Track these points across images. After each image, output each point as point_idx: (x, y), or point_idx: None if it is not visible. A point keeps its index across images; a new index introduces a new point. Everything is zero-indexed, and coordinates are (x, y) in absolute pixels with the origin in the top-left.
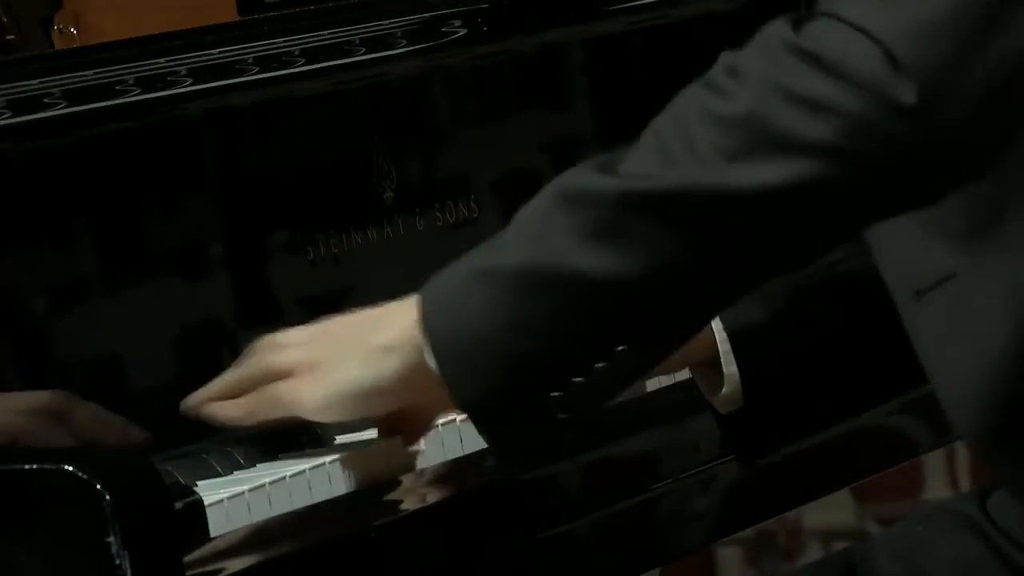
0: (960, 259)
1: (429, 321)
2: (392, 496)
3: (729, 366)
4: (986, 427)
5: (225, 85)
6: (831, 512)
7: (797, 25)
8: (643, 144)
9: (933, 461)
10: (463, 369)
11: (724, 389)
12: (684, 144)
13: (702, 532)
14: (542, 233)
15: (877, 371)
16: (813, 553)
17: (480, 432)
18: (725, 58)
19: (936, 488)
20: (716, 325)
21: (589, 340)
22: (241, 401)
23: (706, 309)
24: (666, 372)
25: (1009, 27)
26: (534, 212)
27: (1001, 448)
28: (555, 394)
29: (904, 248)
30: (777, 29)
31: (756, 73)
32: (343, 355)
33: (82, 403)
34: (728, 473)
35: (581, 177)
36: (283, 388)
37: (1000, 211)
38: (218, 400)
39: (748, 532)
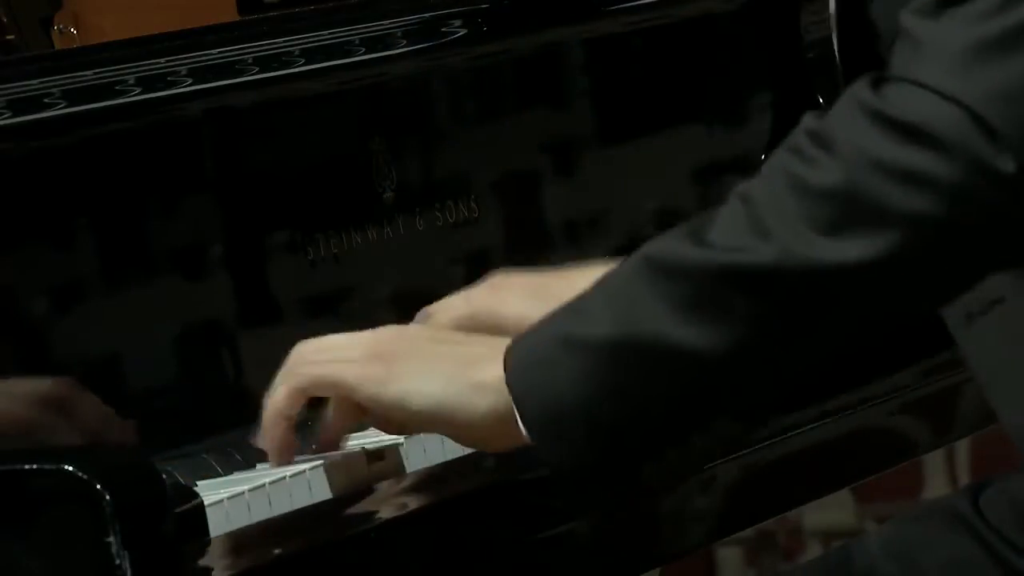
0: (1009, 283)
1: (517, 387)
2: (392, 496)
3: None
4: None
5: (225, 85)
6: (831, 512)
7: (877, 86)
8: (732, 212)
9: (933, 461)
10: (553, 437)
11: None
12: (777, 216)
13: (702, 532)
14: (632, 303)
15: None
16: (813, 553)
17: (568, 490)
18: (810, 123)
19: (936, 488)
20: None
21: (684, 412)
22: (281, 377)
23: (806, 376)
24: None
25: None
26: (622, 279)
27: None
28: (648, 463)
29: None
30: (859, 94)
31: (845, 143)
32: (433, 367)
33: (85, 393)
34: (728, 473)
35: (672, 246)
36: (345, 365)
37: None
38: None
39: (748, 532)
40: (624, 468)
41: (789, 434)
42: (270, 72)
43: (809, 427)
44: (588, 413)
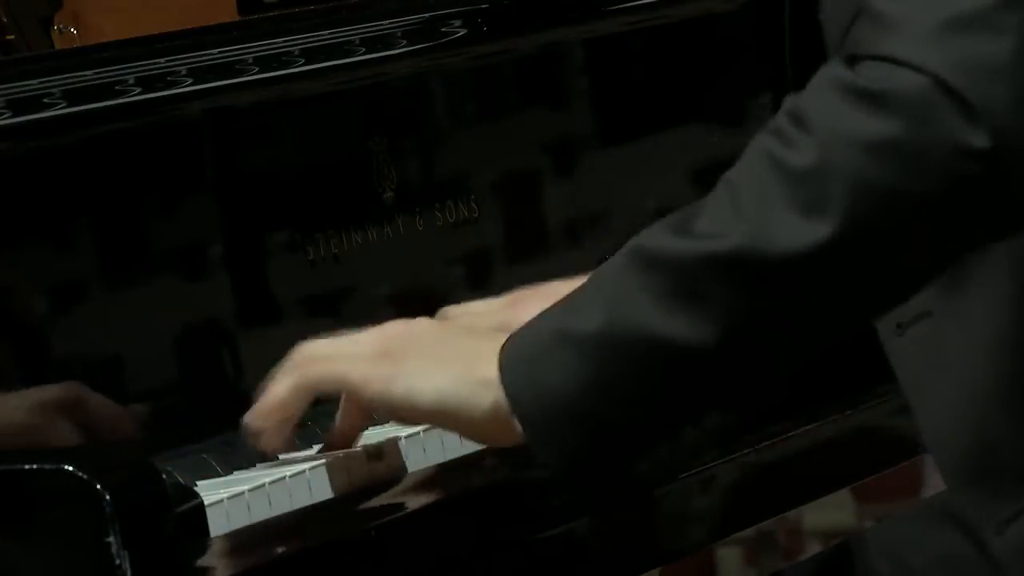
0: (933, 297)
1: (510, 382)
2: (392, 496)
3: None
4: (963, 463)
5: (225, 85)
6: (831, 512)
7: (851, 64)
8: (717, 199)
9: (933, 461)
10: (546, 433)
11: None
12: (756, 199)
13: (702, 532)
14: (620, 296)
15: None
16: (813, 553)
17: (564, 488)
18: (789, 103)
19: (936, 488)
20: None
21: (675, 405)
22: (281, 377)
23: (795, 362)
24: None
25: None
26: (611, 273)
27: (975, 483)
28: (641, 458)
29: None
30: (834, 71)
31: (821, 121)
32: (439, 363)
33: (93, 394)
34: (728, 473)
35: (656, 238)
36: (359, 365)
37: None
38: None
39: (748, 532)
40: (617, 463)
41: (789, 434)
42: (270, 72)
43: (809, 427)
44: (580, 408)
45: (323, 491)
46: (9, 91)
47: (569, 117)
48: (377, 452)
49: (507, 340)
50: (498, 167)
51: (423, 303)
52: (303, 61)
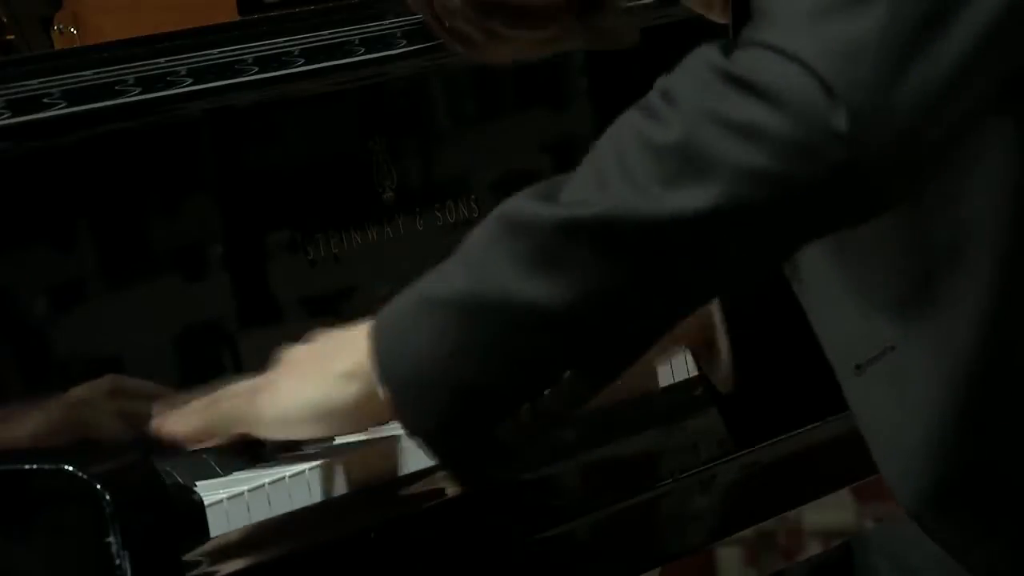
0: (899, 331)
1: (379, 350)
2: (392, 496)
3: (722, 339)
4: (924, 497)
5: (225, 85)
6: (831, 512)
7: (726, 51)
8: (582, 170)
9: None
10: (412, 398)
11: (721, 365)
12: (619, 169)
13: (702, 532)
14: (483, 260)
15: None
16: (813, 553)
17: (433, 456)
18: (660, 82)
19: None
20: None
21: (533, 367)
22: (194, 416)
23: (648, 333)
24: (668, 351)
25: (933, 52)
26: (478, 239)
27: (939, 517)
28: (504, 421)
29: (844, 323)
30: (708, 55)
31: (689, 100)
32: (302, 377)
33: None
34: (728, 473)
35: (522, 204)
36: (238, 403)
37: (929, 279)
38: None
39: (748, 532)
40: (481, 425)
41: (789, 434)
42: (270, 72)
43: (809, 427)
44: (443, 370)
45: (323, 491)
46: (9, 91)
47: (569, 117)
48: None
49: (379, 313)
50: (498, 167)
51: None
52: (303, 61)
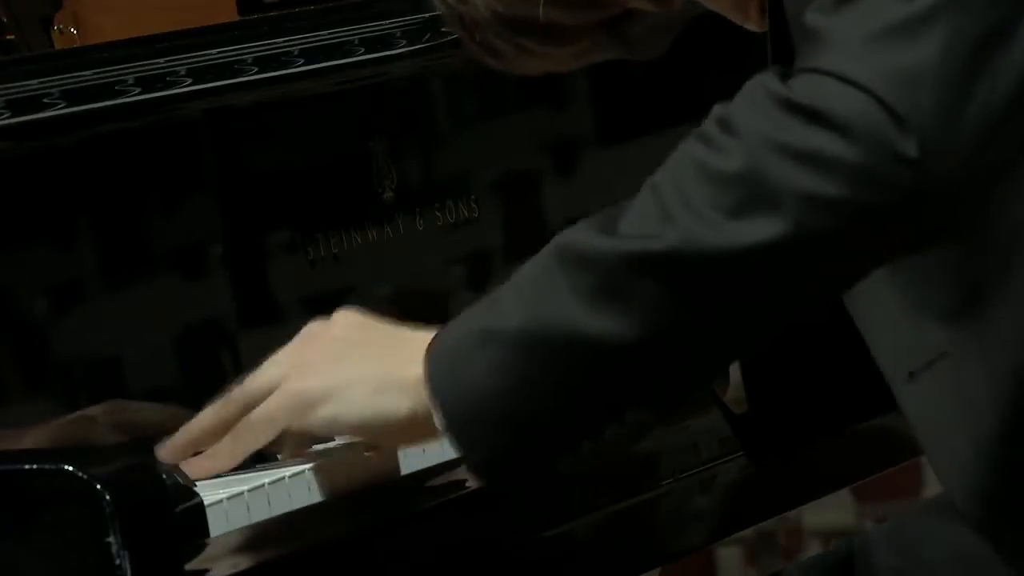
0: (952, 337)
1: (435, 382)
2: (391, 496)
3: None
4: (980, 499)
5: (225, 85)
6: (831, 512)
7: (784, 78)
8: (641, 201)
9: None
10: (469, 431)
11: (730, 383)
12: (682, 201)
13: (702, 532)
14: (543, 294)
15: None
16: (813, 553)
17: (483, 482)
18: (718, 111)
19: (936, 488)
20: None
21: (596, 402)
22: (226, 442)
23: (715, 364)
24: None
25: (996, 71)
26: (535, 271)
27: (995, 519)
28: (564, 454)
29: (896, 330)
30: (766, 82)
31: (750, 128)
32: (356, 375)
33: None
34: (728, 473)
35: (582, 237)
36: (276, 404)
37: (981, 285)
38: (198, 438)
39: (748, 532)
40: (540, 460)
41: (801, 448)
42: (270, 72)
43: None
44: (503, 406)
45: (322, 491)
46: (9, 91)
47: (569, 117)
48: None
49: (432, 339)
50: (498, 167)
51: (423, 303)
52: (303, 61)
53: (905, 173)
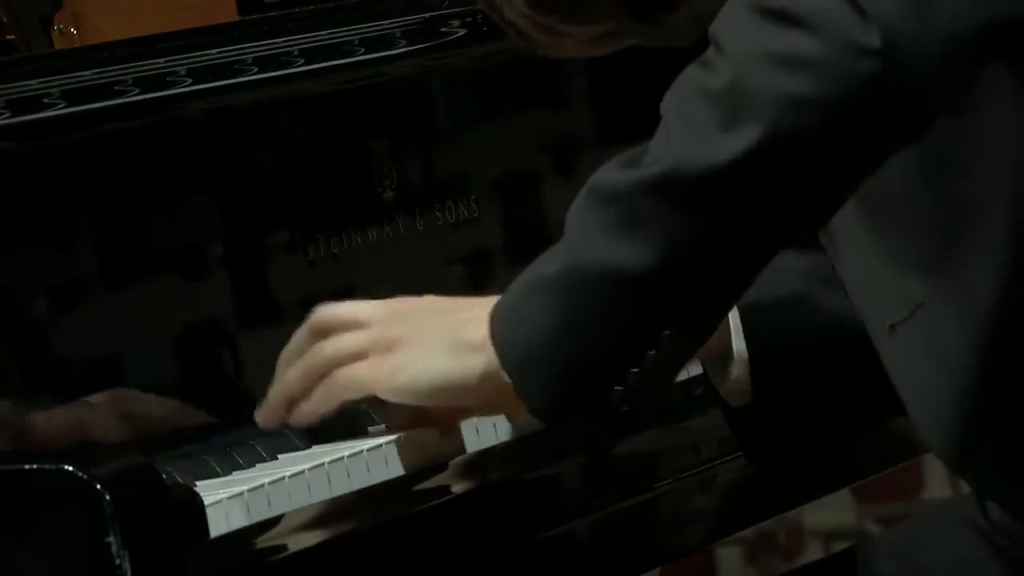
0: (927, 286)
1: (498, 336)
2: (391, 497)
3: (739, 343)
4: (956, 446)
5: (224, 85)
6: (831, 512)
7: None
8: (657, 133)
9: (933, 461)
10: (529, 378)
11: (734, 372)
12: (682, 123)
13: (702, 532)
14: (578, 234)
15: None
16: (813, 553)
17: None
18: (711, 30)
19: (936, 488)
20: None
21: (633, 330)
22: (315, 399)
23: (737, 280)
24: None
25: None
26: (573, 214)
27: (971, 464)
28: (616, 388)
29: (877, 285)
30: None
31: (733, 41)
32: (431, 342)
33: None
34: (728, 473)
35: (607, 174)
36: (361, 371)
37: (954, 234)
38: (286, 400)
39: (748, 532)
40: (594, 394)
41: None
42: (270, 72)
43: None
44: (552, 347)
45: (322, 491)
46: (9, 91)
47: (569, 117)
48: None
49: (500, 299)
50: (498, 167)
51: None
52: (303, 61)
53: (868, 64)
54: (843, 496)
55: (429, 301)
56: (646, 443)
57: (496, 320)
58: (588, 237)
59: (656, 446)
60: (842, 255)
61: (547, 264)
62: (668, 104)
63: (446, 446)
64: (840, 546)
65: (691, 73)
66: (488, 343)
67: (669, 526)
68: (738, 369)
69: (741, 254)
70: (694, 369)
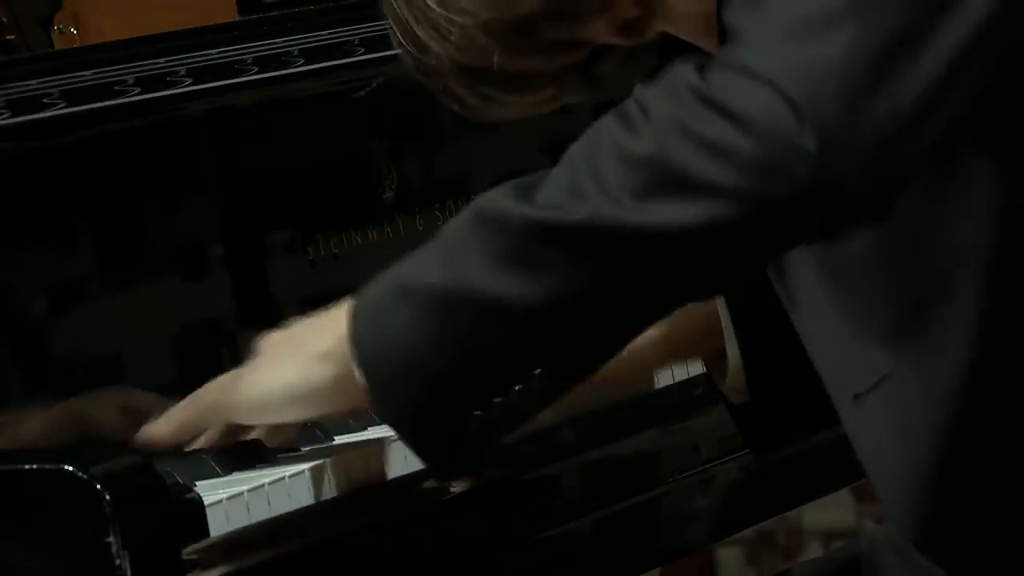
0: (893, 357)
1: (356, 334)
2: (390, 497)
3: (732, 346)
4: (918, 519)
5: (225, 85)
6: (831, 512)
7: (702, 71)
8: (559, 171)
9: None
10: (386, 384)
11: (730, 371)
12: (594, 178)
13: (702, 532)
14: (458, 253)
15: None
16: (813, 553)
17: (404, 443)
18: (639, 92)
19: None
20: (720, 301)
21: (505, 363)
22: (178, 413)
23: (616, 337)
24: (681, 360)
25: (901, 76)
26: (455, 230)
27: (932, 538)
28: (476, 413)
29: (841, 352)
30: (684, 73)
31: (664, 115)
32: (280, 359)
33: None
34: (728, 473)
35: (498, 201)
36: (219, 392)
37: (920, 305)
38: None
39: (748, 532)
40: (450, 417)
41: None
42: (270, 72)
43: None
44: (415, 359)
45: (321, 491)
46: (9, 91)
47: (569, 117)
48: None
49: (357, 296)
50: (498, 167)
51: None
52: (303, 61)
53: (802, 166)
54: (843, 496)
55: (294, 326)
56: (646, 443)
57: (355, 317)
58: (471, 260)
59: (656, 446)
60: (804, 318)
61: (420, 271)
62: (579, 152)
63: (379, 469)
64: (840, 546)
65: (610, 128)
66: (340, 350)
67: (669, 526)
68: (733, 368)
69: (629, 314)
70: (694, 369)
